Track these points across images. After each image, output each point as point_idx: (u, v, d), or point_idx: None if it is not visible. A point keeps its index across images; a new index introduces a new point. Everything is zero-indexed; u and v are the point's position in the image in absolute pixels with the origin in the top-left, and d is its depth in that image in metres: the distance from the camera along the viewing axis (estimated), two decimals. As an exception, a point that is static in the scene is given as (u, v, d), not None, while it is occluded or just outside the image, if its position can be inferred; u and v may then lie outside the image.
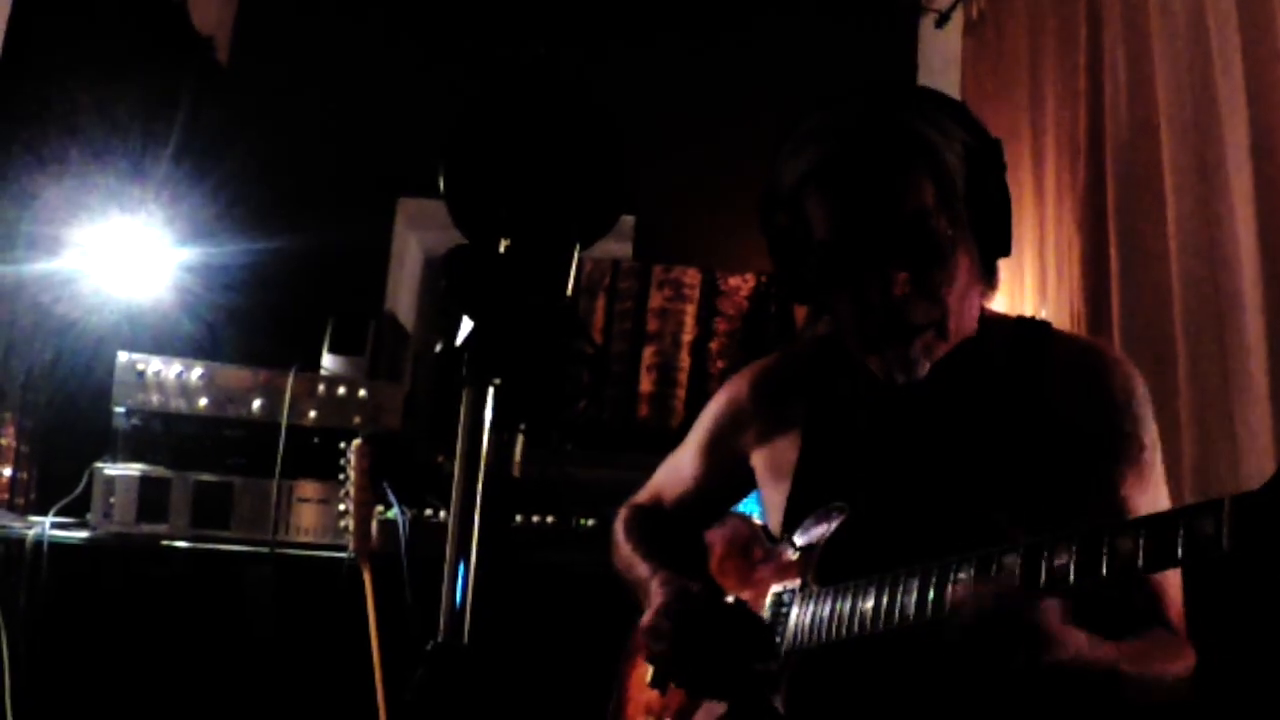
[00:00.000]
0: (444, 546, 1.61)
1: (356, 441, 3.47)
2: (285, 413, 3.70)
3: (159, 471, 3.68)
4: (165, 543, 3.68)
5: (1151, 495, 2.12)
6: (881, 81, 2.29)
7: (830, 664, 2.12)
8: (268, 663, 3.76)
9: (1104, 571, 1.64)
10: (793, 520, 2.32)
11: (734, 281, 4.49)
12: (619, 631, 2.60)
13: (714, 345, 4.44)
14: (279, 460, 3.64)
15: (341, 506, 3.47)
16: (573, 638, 3.41)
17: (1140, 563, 1.61)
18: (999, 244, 2.20)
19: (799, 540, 2.27)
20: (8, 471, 3.97)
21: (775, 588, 2.26)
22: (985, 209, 2.15)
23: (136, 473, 3.66)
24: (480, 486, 1.62)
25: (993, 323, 2.29)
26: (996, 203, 2.16)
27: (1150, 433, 2.16)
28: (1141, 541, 1.61)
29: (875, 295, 2.10)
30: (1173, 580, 2.07)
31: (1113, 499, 2.08)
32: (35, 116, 3.89)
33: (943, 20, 5.32)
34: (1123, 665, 1.91)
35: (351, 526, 3.43)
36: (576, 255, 1.75)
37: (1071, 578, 1.68)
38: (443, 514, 3.64)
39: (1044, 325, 2.34)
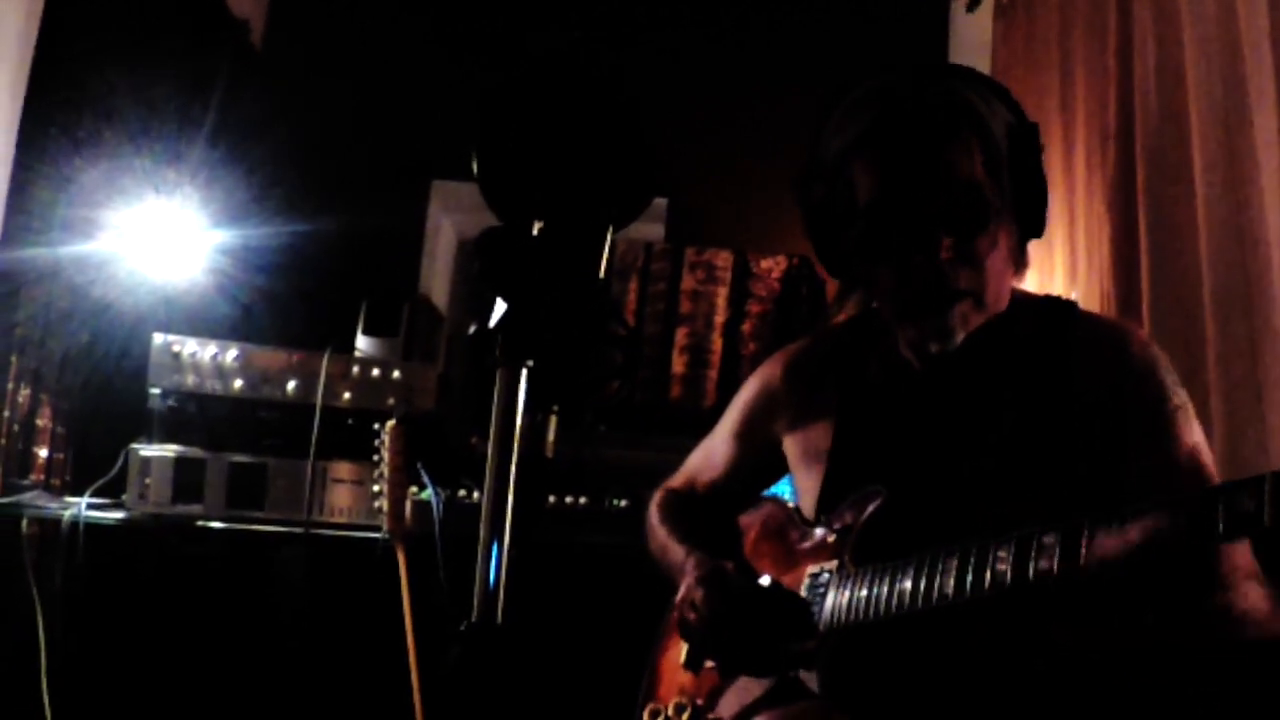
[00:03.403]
0: (478, 527, 1.63)
1: (391, 423, 3.49)
2: (320, 394, 3.72)
3: (194, 452, 3.70)
4: (200, 523, 3.70)
5: (1187, 454, 2.10)
6: (927, 60, 2.31)
7: (867, 644, 2.13)
8: (302, 643, 3.80)
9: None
10: (827, 503, 2.34)
11: (766, 264, 4.49)
12: (651, 613, 2.62)
13: (746, 327, 4.44)
14: (313, 441, 3.66)
15: (376, 487, 3.49)
16: (605, 618, 3.43)
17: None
18: (1033, 225, 2.22)
19: (835, 522, 2.28)
20: (44, 452, 4.00)
21: (811, 569, 2.28)
22: (1023, 188, 2.17)
23: (172, 454, 3.69)
24: (514, 467, 1.64)
25: (1021, 302, 2.30)
26: (1034, 183, 2.19)
27: (1178, 395, 2.15)
28: (1183, 519, 1.62)
29: (920, 258, 2.11)
30: None
31: (1145, 469, 2.09)
32: (71, 100, 3.91)
33: (974, 4, 5.31)
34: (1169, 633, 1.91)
35: (386, 507, 3.45)
36: (609, 238, 1.76)
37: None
38: (476, 495, 3.65)
39: (1069, 304, 2.35)
